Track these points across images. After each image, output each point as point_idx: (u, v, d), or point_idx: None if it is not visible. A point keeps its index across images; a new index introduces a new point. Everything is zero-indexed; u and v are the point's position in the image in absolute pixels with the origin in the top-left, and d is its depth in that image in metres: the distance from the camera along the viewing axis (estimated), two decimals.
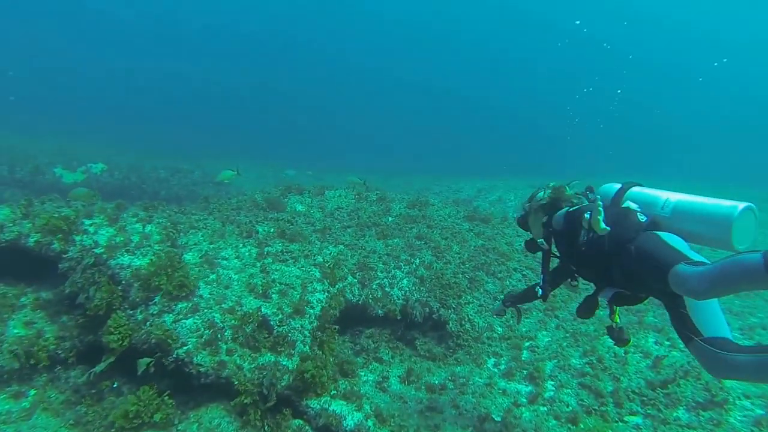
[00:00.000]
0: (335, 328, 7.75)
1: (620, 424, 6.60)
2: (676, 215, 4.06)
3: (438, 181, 27.17)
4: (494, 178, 24.35)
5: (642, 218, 4.17)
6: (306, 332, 7.55)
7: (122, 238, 8.15)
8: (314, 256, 9.17)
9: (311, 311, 7.85)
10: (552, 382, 7.67)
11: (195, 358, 6.54)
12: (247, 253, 8.70)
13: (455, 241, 11.44)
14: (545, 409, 7.04)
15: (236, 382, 6.46)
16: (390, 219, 11.98)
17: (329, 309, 7.94)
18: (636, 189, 4.54)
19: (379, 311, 8.98)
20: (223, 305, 7.32)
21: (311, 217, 11.42)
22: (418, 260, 10.05)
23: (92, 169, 22.72)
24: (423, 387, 7.60)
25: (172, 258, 7.43)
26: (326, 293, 8.39)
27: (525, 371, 8.03)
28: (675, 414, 6.68)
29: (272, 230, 9.78)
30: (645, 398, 7.01)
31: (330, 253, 9.45)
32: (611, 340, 4.88)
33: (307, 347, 7.36)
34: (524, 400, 7.25)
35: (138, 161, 27.33)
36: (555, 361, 8.24)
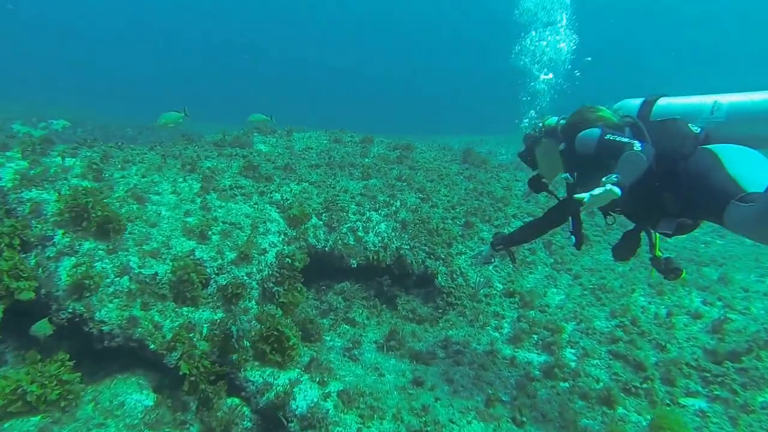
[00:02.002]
0: (299, 285, 5.91)
1: (675, 408, 4.84)
2: (732, 119, 3.56)
3: (424, 139, 25.12)
4: (483, 135, 22.43)
5: (695, 130, 3.60)
6: (254, 283, 5.67)
7: (37, 171, 6.10)
8: (271, 193, 7.22)
9: (262, 258, 5.95)
10: (573, 350, 5.92)
11: (97, 314, 4.63)
12: (187, 188, 6.73)
13: (443, 184, 9.57)
14: (567, 385, 5.28)
15: (152, 346, 4.57)
16: (367, 160, 10.02)
17: (289, 257, 6.03)
18: (665, 101, 3.96)
19: (352, 262, 7.12)
20: (144, 246, 5.37)
21: (273, 155, 9.42)
22: (399, 202, 8.17)
23: (53, 125, 20.69)
24: (406, 356, 5.79)
25: (88, 192, 5.43)
26: (283, 236, 6.49)
27: (536, 336, 6.27)
28: (761, 398, 4.92)
29: (222, 165, 7.78)
30: (708, 374, 5.22)
31: (291, 191, 7.50)
32: (657, 276, 4.11)
33: (253, 302, 5.48)
34: (538, 372, 5.48)
35: (109, 121, 24.94)
36: (574, 323, 6.48)
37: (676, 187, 3.51)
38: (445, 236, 7.86)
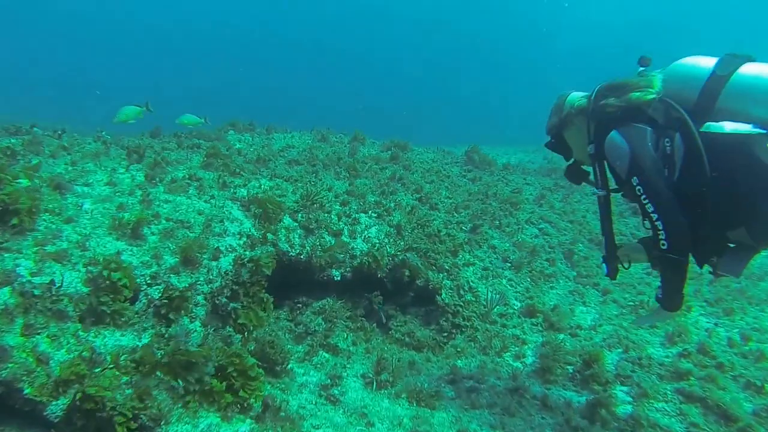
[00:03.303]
0: (264, 296, 4.44)
1: None
2: None
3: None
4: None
5: None
6: (199, 298, 4.18)
7: None
8: (235, 188, 5.75)
9: (213, 265, 4.47)
10: (625, 388, 4.42)
11: None
12: (128, 179, 5.26)
13: (443, 185, 8.14)
14: None
15: (28, 390, 3.05)
16: (356, 164, 8.56)
17: (252, 261, 4.54)
18: (754, 69, 2.82)
19: (335, 273, 5.65)
20: (47, 247, 3.87)
21: (245, 150, 7.96)
22: (392, 203, 6.71)
23: None
24: (403, 394, 4.29)
25: None
26: (245, 238, 5.01)
27: (571, 368, 4.78)
28: None
29: (180, 156, 6.31)
30: None
31: (260, 186, 6.03)
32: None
33: (197, 323, 3.99)
34: (583, 420, 3.96)
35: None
36: (619, 350, 5.00)
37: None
38: (450, 243, 6.41)
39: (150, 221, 4.57)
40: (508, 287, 6.34)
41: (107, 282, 3.63)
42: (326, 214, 5.98)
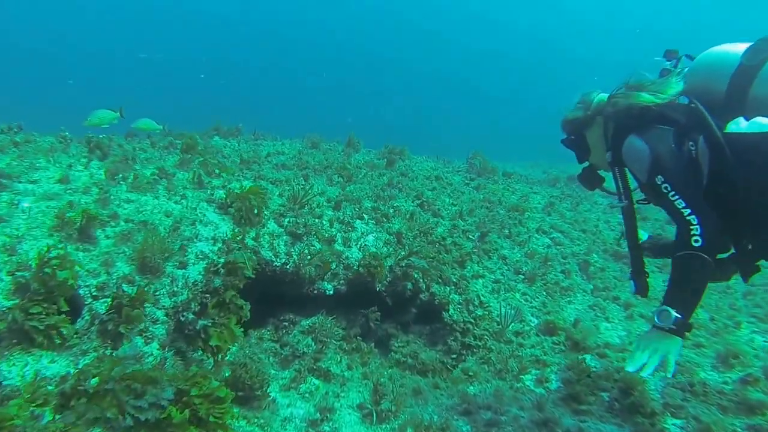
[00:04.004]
0: (240, 302, 3.62)
1: None
2: None
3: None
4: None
5: None
6: (159, 313, 3.35)
7: None
8: (212, 188, 4.95)
9: (179, 274, 3.65)
10: (678, 421, 3.60)
11: None
12: (85, 177, 4.47)
13: (446, 192, 7.36)
14: None
15: None
16: (350, 168, 7.79)
17: (230, 264, 3.73)
18: None
19: (327, 287, 4.84)
20: None
21: (229, 152, 7.16)
22: (391, 209, 5.92)
23: None
24: (409, 429, 3.45)
25: None
26: (219, 244, 4.20)
27: (605, 395, 3.96)
28: None
29: (153, 155, 5.51)
30: None
31: (242, 188, 5.22)
32: None
33: (155, 345, 3.17)
34: None
35: None
36: (661, 373, 4.17)
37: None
38: (456, 253, 5.62)
39: (105, 222, 3.76)
40: (523, 302, 5.54)
41: (44, 287, 2.82)
42: (316, 219, 5.19)
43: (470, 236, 6.19)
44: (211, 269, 3.80)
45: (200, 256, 3.93)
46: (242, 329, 3.66)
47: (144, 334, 3.14)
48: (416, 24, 60.36)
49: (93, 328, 3.01)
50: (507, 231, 6.66)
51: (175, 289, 3.55)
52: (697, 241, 2.41)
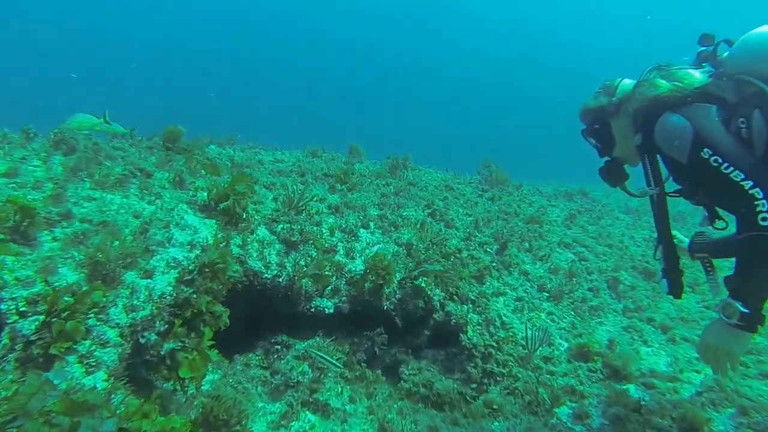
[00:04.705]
0: (220, 312, 2.87)
1: None
2: None
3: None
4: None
5: None
6: (110, 333, 2.57)
7: None
8: (195, 189, 4.20)
9: (141, 285, 2.88)
10: None
11: None
12: (39, 172, 3.71)
13: (458, 203, 6.61)
14: None
15: None
16: (353, 177, 7.05)
17: (208, 267, 2.97)
18: None
19: (327, 304, 4.07)
20: None
21: (223, 156, 6.42)
22: (399, 218, 5.17)
23: None
24: None
25: None
26: (196, 250, 3.43)
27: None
28: None
29: (132, 155, 4.74)
30: None
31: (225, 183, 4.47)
32: None
33: (100, 374, 2.38)
34: None
35: None
36: (731, 410, 3.40)
37: None
38: (474, 267, 4.85)
39: (54, 222, 3.01)
40: (549, 322, 4.75)
41: None
42: (315, 227, 4.43)
43: (488, 249, 5.42)
44: (184, 278, 3.03)
45: (172, 264, 3.17)
46: (218, 352, 2.89)
47: (85, 361, 2.36)
48: (418, 30, 59.93)
49: (10, 356, 2.23)
50: (527, 244, 5.89)
51: (136, 302, 2.78)
52: (765, 219, 2.07)
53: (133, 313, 2.72)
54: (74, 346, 2.31)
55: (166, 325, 2.82)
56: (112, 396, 2.23)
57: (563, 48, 58.71)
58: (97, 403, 1.96)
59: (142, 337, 2.67)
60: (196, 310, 2.91)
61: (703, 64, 2.61)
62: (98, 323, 2.52)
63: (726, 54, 2.53)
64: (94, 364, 2.37)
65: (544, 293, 5.17)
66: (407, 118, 56.48)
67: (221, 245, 3.33)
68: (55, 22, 51.66)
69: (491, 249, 5.44)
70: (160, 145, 5.20)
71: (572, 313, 4.98)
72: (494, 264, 5.19)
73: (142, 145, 5.31)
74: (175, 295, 2.95)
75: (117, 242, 2.98)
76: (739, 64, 2.41)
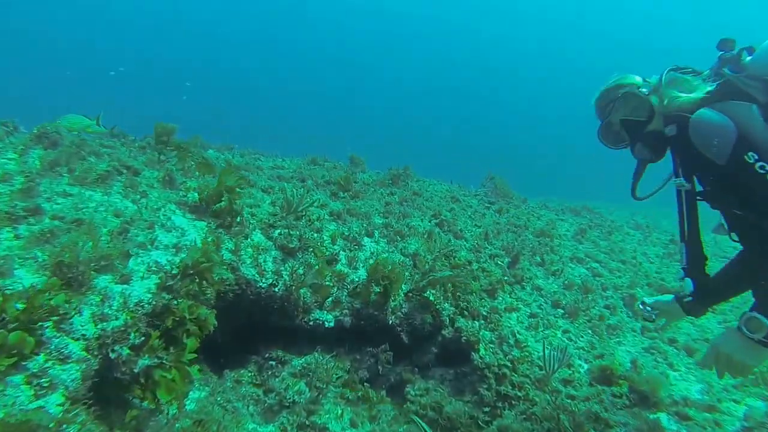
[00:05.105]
0: (205, 315, 2.47)
1: None
2: None
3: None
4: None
5: None
6: (72, 346, 2.15)
7: None
8: (186, 189, 3.81)
9: (115, 291, 2.47)
10: None
11: None
12: (12, 165, 3.32)
13: (465, 214, 6.22)
14: None
15: None
16: (356, 185, 6.65)
17: (192, 269, 2.57)
18: None
19: (327, 317, 3.67)
20: None
21: (221, 159, 6.03)
22: (405, 227, 4.77)
23: None
24: None
25: None
26: (183, 254, 3.02)
27: None
28: None
29: (121, 153, 4.33)
30: None
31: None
32: None
33: (56, 397, 1.96)
34: None
35: None
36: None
37: None
38: (485, 281, 4.45)
39: (18, 218, 2.61)
40: (566, 341, 4.34)
41: None
42: (315, 234, 4.03)
43: (498, 261, 5.02)
44: (167, 284, 2.63)
45: (153, 269, 2.76)
46: (199, 369, 2.47)
47: (36, 381, 1.93)
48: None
49: None
50: (539, 258, 5.50)
51: (107, 311, 2.37)
52: None
53: (104, 323, 2.31)
54: (22, 363, 1.88)
55: (143, 337, 2.41)
56: (65, 427, 1.81)
57: (559, 62, 58.88)
58: (38, 418, 1.55)
59: (113, 351, 2.26)
60: (177, 318, 2.51)
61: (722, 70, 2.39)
62: (58, 334, 2.10)
63: (749, 59, 2.33)
64: (47, 384, 1.95)
65: (559, 309, 4.77)
66: (406, 131, 56.40)
67: (210, 249, 2.91)
68: (62, 24, 51.53)
69: (502, 262, 5.04)
70: (153, 145, 4.81)
71: (590, 331, 4.57)
72: (506, 278, 4.79)
73: (134, 144, 4.93)
74: (154, 303, 2.54)
75: (90, 243, 2.57)
76: (763, 68, 2.24)
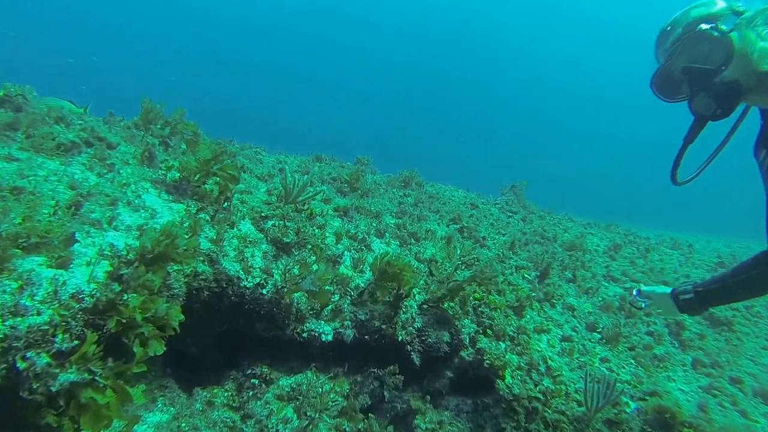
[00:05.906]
0: (164, 311, 1.90)
1: None
2: None
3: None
4: None
5: None
6: None
7: None
8: (168, 169, 3.20)
9: (45, 274, 1.84)
10: None
11: None
12: None
13: (487, 222, 5.57)
14: None
15: None
16: (367, 184, 6.02)
17: (141, 258, 1.95)
18: None
19: (325, 329, 3.02)
20: None
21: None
22: (420, 230, 4.13)
23: None
24: None
25: None
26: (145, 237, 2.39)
27: None
28: None
29: (100, 128, 3.72)
30: None
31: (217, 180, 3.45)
32: None
33: None
34: None
35: None
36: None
37: None
38: (511, 296, 3.78)
39: None
40: (605, 371, 3.65)
41: None
42: (317, 229, 3.40)
43: (525, 275, 4.36)
44: (119, 272, 2.01)
45: (105, 253, 2.14)
46: (144, 390, 1.84)
47: None
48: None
49: None
50: (569, 273, 4.82)
51: (26, 302, 1.74)
52: None
53: (15, 319, 1.68)
54: None
55: (75, 342, 1.78)
56: None
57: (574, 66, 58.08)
58: None
59: (23, 359, 1.63)
60: (125, 319, 1.88)
61: None
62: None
63: None
64: None
65: (595, 333, 4.09)
66: (415, 135, 55.88)
67: (178, 231, 2.28)
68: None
69: (529, 275, 4.38)
70: (141, 125, 4.21)
71: (633, 361, 3.88)
72: (534, 294, 4.12)
73: (120, 123, 4.33)
74: (98, 295, 1.92)
75: (19, 214, 1.96)
76: None
